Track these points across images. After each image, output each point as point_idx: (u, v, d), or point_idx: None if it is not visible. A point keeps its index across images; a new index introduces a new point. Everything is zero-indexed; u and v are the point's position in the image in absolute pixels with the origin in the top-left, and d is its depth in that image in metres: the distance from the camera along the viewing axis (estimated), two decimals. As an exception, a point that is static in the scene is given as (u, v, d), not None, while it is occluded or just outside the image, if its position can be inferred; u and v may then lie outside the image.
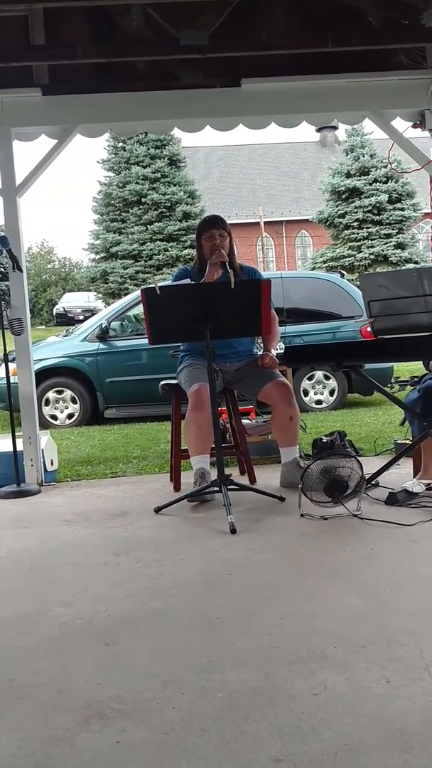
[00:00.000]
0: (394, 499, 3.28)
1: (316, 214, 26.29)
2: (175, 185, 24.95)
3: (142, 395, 7.02)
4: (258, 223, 27.38)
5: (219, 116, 4.26)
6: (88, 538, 3.11)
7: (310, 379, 7.32)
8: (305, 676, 1.76)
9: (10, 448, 4.02)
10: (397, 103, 4.25)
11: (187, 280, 3.76)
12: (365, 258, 24.53)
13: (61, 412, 7.33)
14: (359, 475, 3.15)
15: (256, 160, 34.71)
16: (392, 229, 24.87)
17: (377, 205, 24.73)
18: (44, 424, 6.70)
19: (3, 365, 4.07)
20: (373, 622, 2.06)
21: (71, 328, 9.51)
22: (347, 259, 24.66)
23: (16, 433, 4.07)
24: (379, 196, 24.70)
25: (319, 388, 7.34)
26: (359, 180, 24.95)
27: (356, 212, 24.85)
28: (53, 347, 7.74)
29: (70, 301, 26.59)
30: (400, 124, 4.33)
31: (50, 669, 1.90)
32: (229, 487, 3.27)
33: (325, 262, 25.14)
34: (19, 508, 3.73)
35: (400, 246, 24.83)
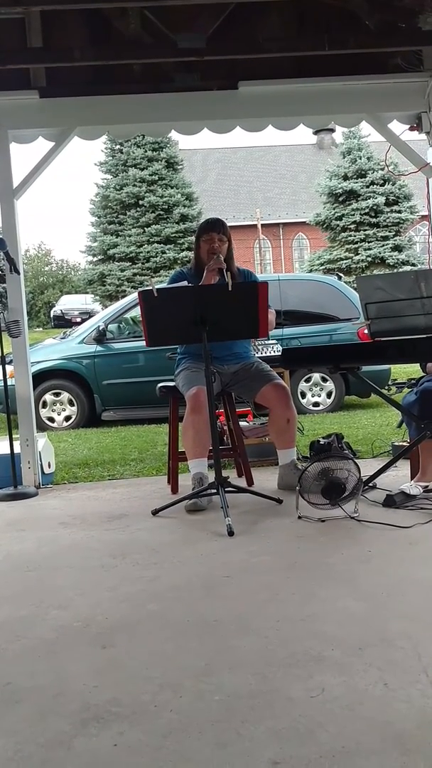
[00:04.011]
0: (391, 501, 3.28)
1: (314, 217, 26.33)
2: (172, 188, 24.96)
3: (139, 397, 7.02)
4: (255, 226, 27.38)
5: (216, 119, 4.27)
6: (85, 540, 3.10)
7: (307, 381, 7.32)
8: (303, 679, 1.76)
9: (8, 451, 4.02)
10: (393, 105, 4.27)
11: (184, 283, 3.75)
12: (362, 260, 24.57)
13: (59, 414, 7.32)
14: (357, 477, 3.15)
15: (253, 163, 34.72)
16: (389, 232, 24.92)
17: (374, 207, 24.78)
18: (41, 427, 6.69)
19: (0, 367, 4.06)
20: (371, 625, 2.05)
21: (68, 330, 9.51)
22: (344, 261, 24.71)
23: (13, 436, 4.07)
24: (376, 198, 24.76)
25: (317, 390, 7.35)
26: (356, 182, 25.00)
27: (353, 215, 24.89)
28: (50, 349, 7.74)
29: (68, 303, 26.56)
30: (397, 127, 4.36)
31: (47, 672, 1.90)
32: (226, 489, 3.27)
33: (322, 264, 25.17)
34: (16, 511, 3.73)
35: (397, 248, 24.88)
